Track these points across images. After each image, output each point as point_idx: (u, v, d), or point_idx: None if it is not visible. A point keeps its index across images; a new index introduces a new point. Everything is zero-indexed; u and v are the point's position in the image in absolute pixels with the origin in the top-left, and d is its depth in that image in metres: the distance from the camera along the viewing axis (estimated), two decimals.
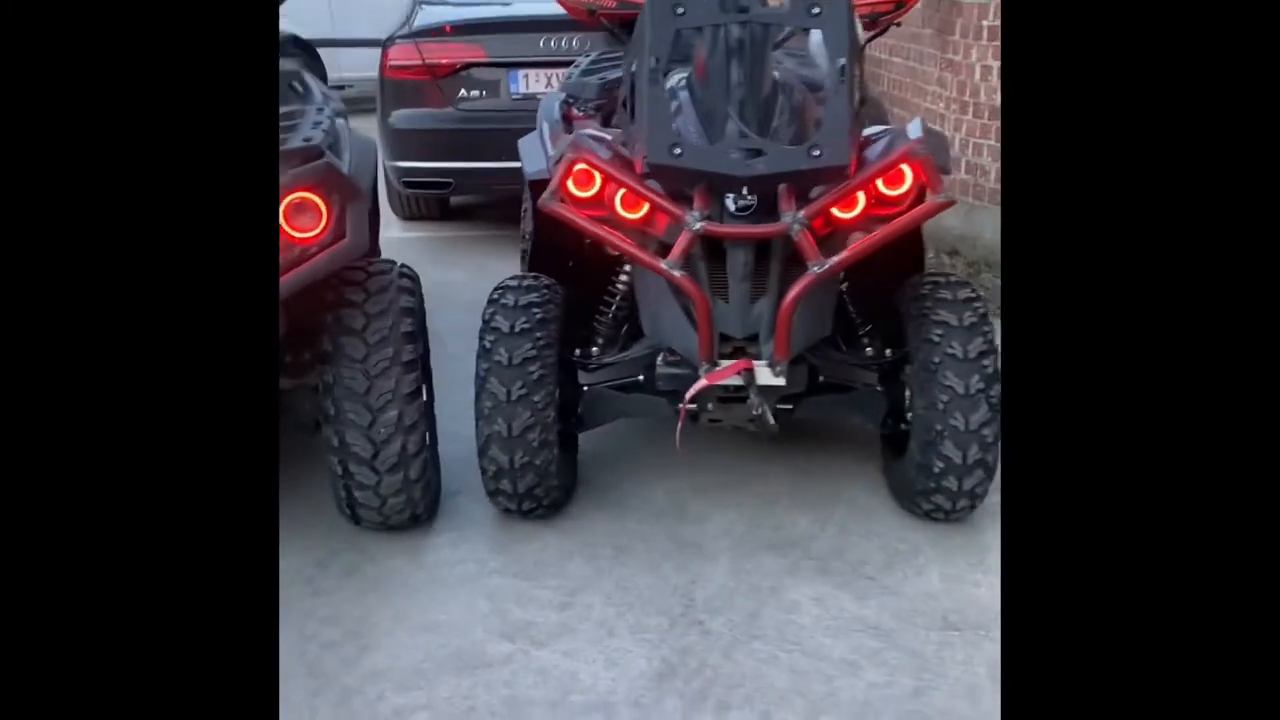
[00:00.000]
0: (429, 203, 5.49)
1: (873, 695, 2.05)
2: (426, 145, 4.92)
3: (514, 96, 4.85)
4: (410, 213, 5.58)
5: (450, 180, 4.97)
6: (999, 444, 2.44)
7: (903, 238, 2.67)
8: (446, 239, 5.35)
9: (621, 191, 2.32)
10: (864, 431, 2.87)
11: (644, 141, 2.22)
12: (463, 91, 4.91)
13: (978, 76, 4.46)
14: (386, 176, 5.25)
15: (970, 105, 4.53)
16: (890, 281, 2.68)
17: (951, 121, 4.66)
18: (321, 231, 2.21)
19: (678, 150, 2.20)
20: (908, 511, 2.65)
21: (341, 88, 8.46)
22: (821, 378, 2.65)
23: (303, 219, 2.19)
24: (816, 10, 2.25)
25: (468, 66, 4.90)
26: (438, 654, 2.18)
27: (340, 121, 2.65)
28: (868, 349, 2.70)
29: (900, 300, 2.60)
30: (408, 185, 5.11)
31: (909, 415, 2.57)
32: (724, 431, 2.90)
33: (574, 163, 2.30)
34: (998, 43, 4.30)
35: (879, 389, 2.66)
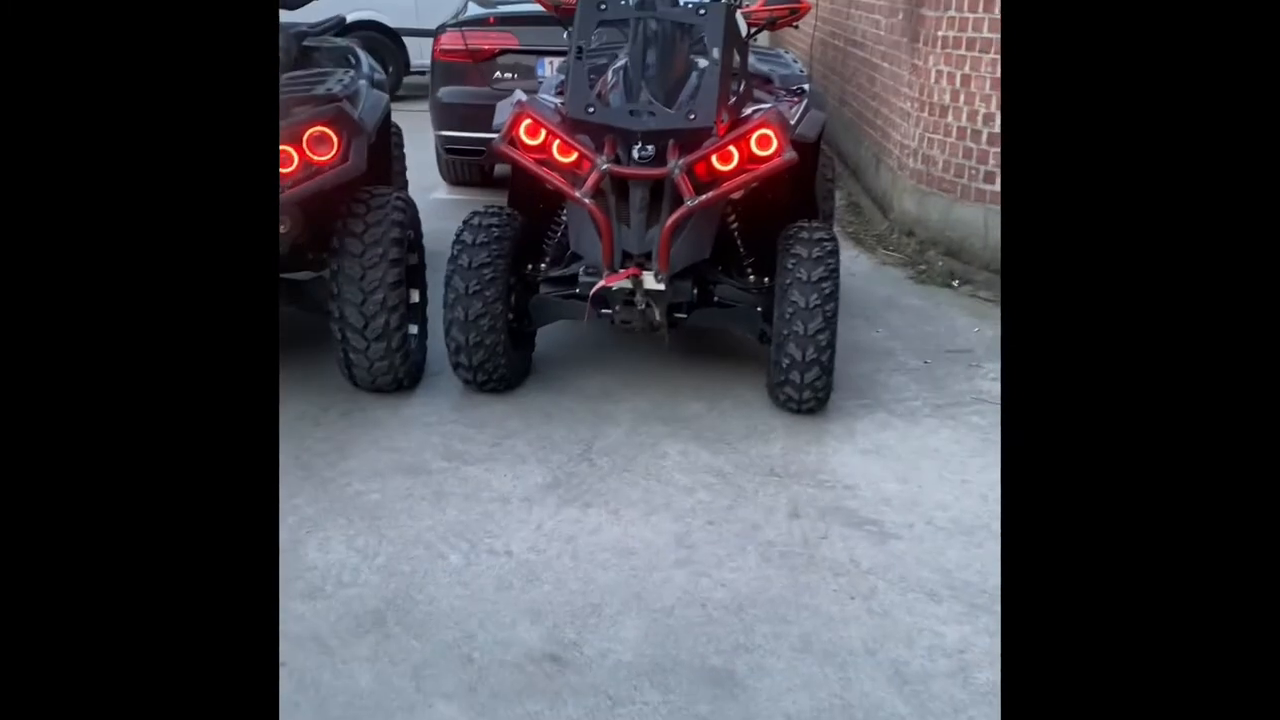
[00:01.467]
0: (471, 169, 6.37)
1: (697, 506, 2.82)
2: (466, 117, 5.79)
3: (540, 79, 5.69)
4: (456, 178, 6.47)
5: (483, 148, 5.84)
6: (832, 350, 3.17)
7: (789, 193, 3.45)
8: (482, 201, 6.20)
9: (556, 141, 3.13)
10: (761, 350, 3.62)
11: (568, 101, 3.04)
12: (498, 73, 5.78)
13: (933, 79, 5.13)
14: (435, 147, 6.17)
15: (927, 104, 5.20)
16: (778, 226, 3.42)
17: (913, 118, 5.33)
18: (333, 156, 3.08)
19: (591, 109, 3.01)
20: (775, 405, 3.40)
21: (422, 72, 9.43)
22: (715, 297, 3.42)
23: (320, 147, 3.06)
24: (703, 11, 3.05)
25: (503, 52, 5.77)
26: (394, 464, 3.02)
27: (362, 82, 3.52)
28: (750, 276, 3.45)
29: (778, 240, 3.35)
30: (449, 151, 6.00)
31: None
32: (648, 340, 3.68)
33: (521, 117, 3.13)
34: (950, 50, 4.97)
35: (757, 309, 3.41)
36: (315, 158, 3.05)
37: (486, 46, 5.75)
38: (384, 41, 10.14)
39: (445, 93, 5.84)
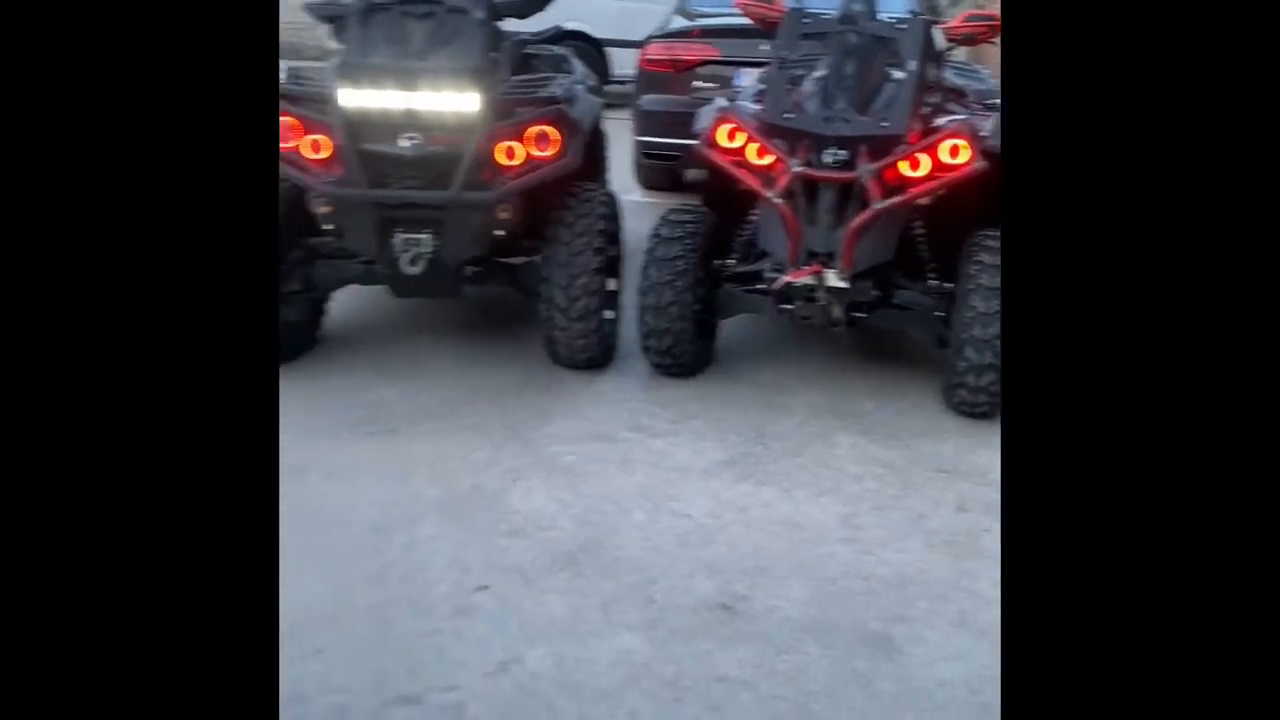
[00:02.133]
0: (663, 174, 6.70)
1: (865, 492, 2.99)
2: (665, 124, 6.10)
3: (737, 88, 5.93)
4: (649, 183, 6.81)
5: (679, 154, 6.15)
6: None
7: (975, 202, 3.56)
8: (673, 205, 6.52)
9: (754, 144, 3.36)
10: (939, 355, 3.73)
11: (767, 108, 3.27)
12: (698, 83, 6.07)
13: None
14: (633, 152, 6.52)
15: None
16: (965, 234, 3.53)
17: None
18: (554, 153, 3.42)
19: (788, 114, 3.24)
20: (949, 408, 3.50)
21: (625, 81, 9.88)
22: (895, 299, 3.56)
23: (541, 143, 3.41)
24: (902, 26, 3.21)
25: (704, 63, 6.05)
26: (587, 432, 3.32)
27: (579, 87, 3.87)
28: (931, 280, 3.57)
29: (963, 248, 3.45)
30: (646, 155, 6.34)
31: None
32: (825, 338, 3.86)
33: (722, 121, 3.39)
34: None
35: (936, 312, 3.53)
36: (537, 153, 3.41)
37: (689, 57, 6.05)
38: (588, 51, 10.66)
39: (647, 100, 6.18)
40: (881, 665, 2.25)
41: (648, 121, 6.21)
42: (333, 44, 4.35)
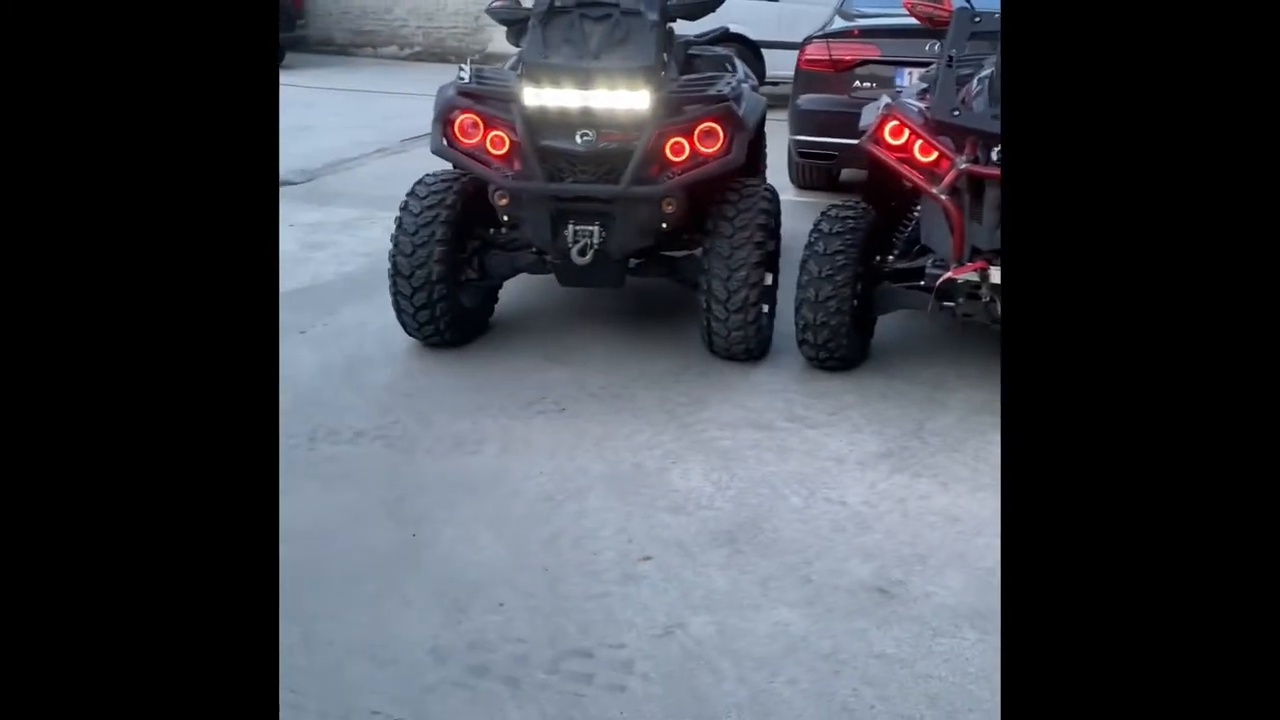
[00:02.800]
0: (818, 174, 6.73)
1: None
2: (822, 124, 6.13)
3: (899, 88, 5.91)
4: (804, 182, 6.84)
5: (836, 153, 6.17)
6: None
7: None
8: (827, 204, 6.55)
9: (919, 141, 3.39)
10: None
11: (934, 106, 3.30)
12: (857, 83, 6.07)
13: None
14: (788, 151, 6.58)
15: None
16: None
17: None
18: (719, 149, 3.55)
19: (956, 112, 3.25)
20: None
21: (777, 83, 9.94)
22: None
23: (708, 140, 3.54)
24: None
25: (864, 63, 6.05)
26: (743, 419, 3.43)
27: (745, 85, 3.97)
28: None
29: None
30: (802, 155, 6.39)
31: None
32: (984, 335, 3.84)
33: (887, 119, 3.43)
34: None
35: None
36: (703, 149, 3.54)
37: (849, 57, 6.06)
38: (745, 53, 10.75)
39: (805, 100, 6.22)
40: None
41: (805, 121, 6.26)
42: (512, 46, 4.62)
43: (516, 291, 4.40)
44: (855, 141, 5.92)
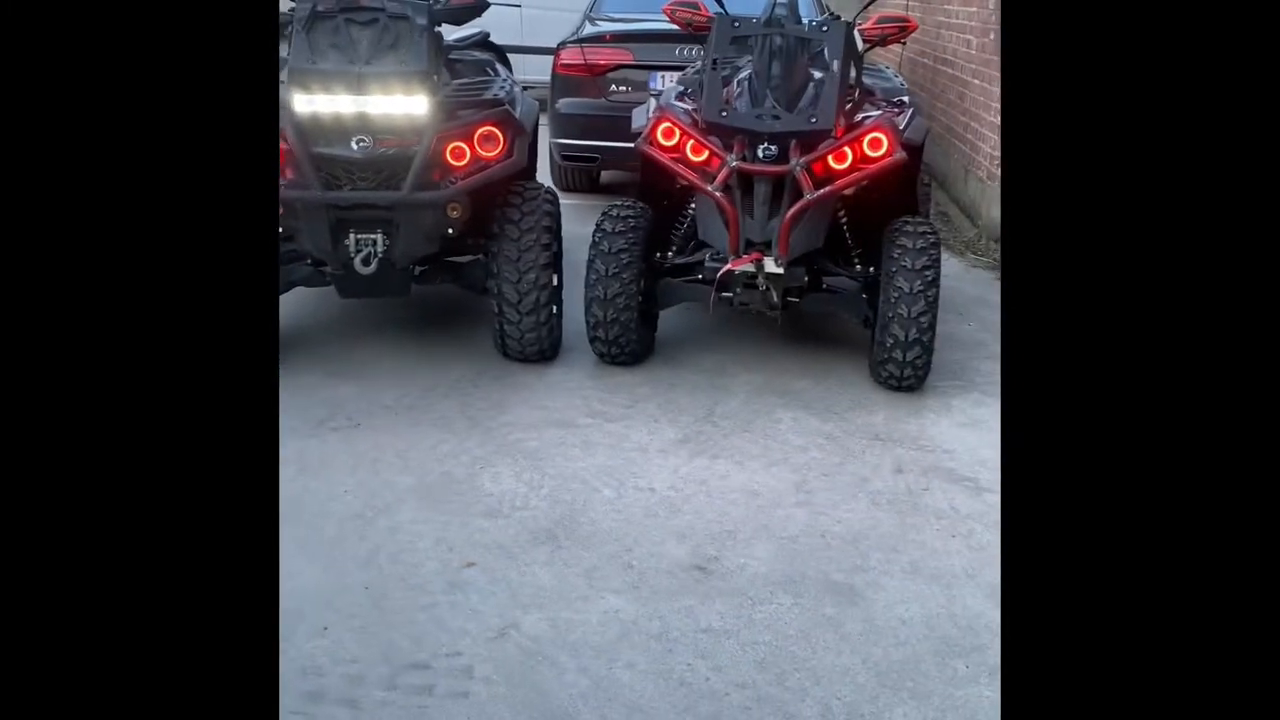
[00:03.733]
0: (581, 175, 6.87)
1: (811, 461, 3.22)
2: (582, 127, 6.27)
3: (653, 91, 6.15)
4: (567, 184, 6.96)
5: (598, 155, 6.33)
6: (933, 332, 3.54)
7: (894, 191, 3.84)
8: (592, 205, 6.67)
9: (690, 141, 3.57)
10: (862, 336, 4.00)
11: (703, 108, 3.48)
12: (614, 86, 6.26)
13: None
14: (550, 153, 6.67)
15: None
16: (885, 221, 3.81)
17: (989, 125, 5.68)
18: (499, 152, 3.57)
19: (724, 113, 3.45)
20: (876, 382, 3.77)
21: (526, 88, 10.02)
22: (825, 284, 3.82)
23: (488, 144, 3.55)
24: (825, 29, 3.47)
25: (619, 67, 6.24)
26: (545, 419, 3.47)
27: (517, 89, 4.01)
28: (857, 265, 3.84)
29: (884, 234, 3.73)
30: (565, 159, 6.50)
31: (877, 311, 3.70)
32: (756, 324, 4.10)
33: (660, 120, 3.58)
34: None
35: (862, 295, 3.80)
36: (484, 154, 3.55)
37: (603, 62, 6.23)
38: (492, 52, 10.75)
39: (564, 104, 6.34)
40: (848, 610, 2.47)
41: (565, 124, 6.37)
42: None
43: (290, 307, 4.21)
44: (615, 144, 6.24)
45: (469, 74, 4.41)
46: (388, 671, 2.21)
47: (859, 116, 3.65)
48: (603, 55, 6.27)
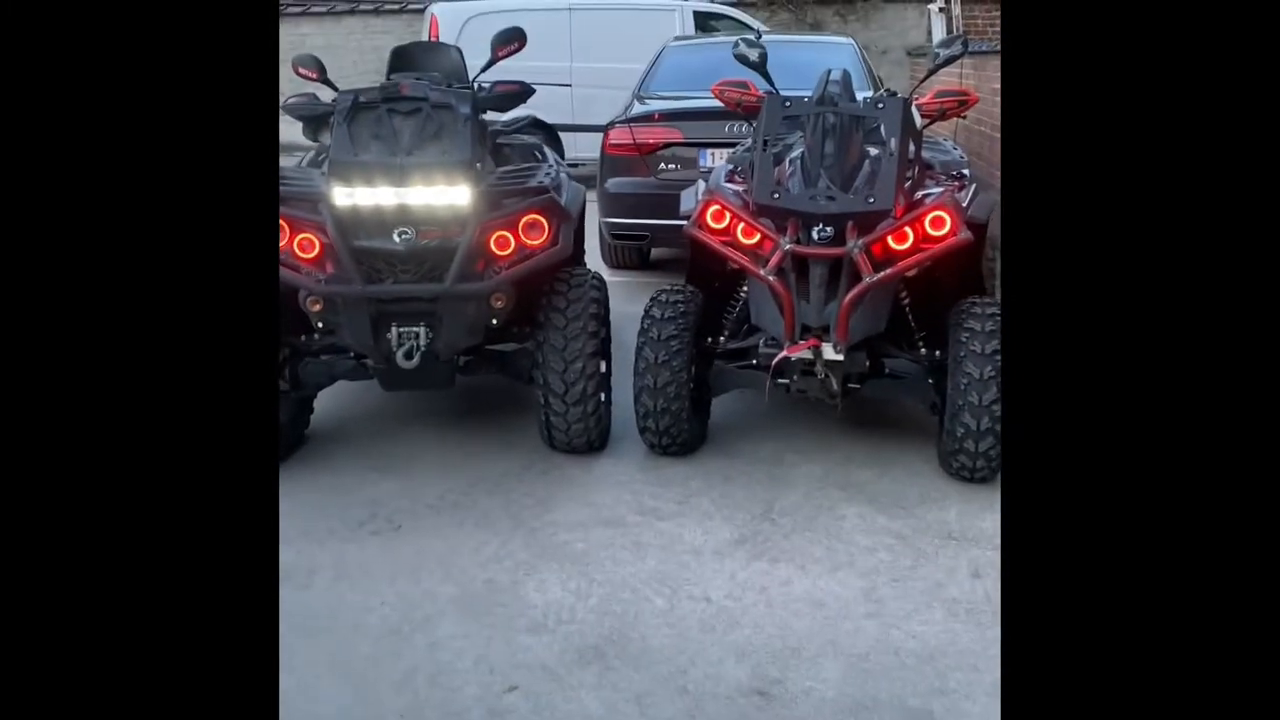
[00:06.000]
0: (631, 253, 6.79)
1: (880, 564, 2.99)
2: (632, 205, 6.20)
3: (702, 169, 6.07)
4: (616, 262, 6.88)
5: (647, 233, 6.24)
6: None
7: (959, 271, 3.65)
8: (642, 283, 6.58)
9: (741, 224, 3.42)
10: (928, 421, 3.78)
11: (754, 189, 3.34)
12: (663, 165, 6.19)
13: None
14: (600, 232, 6.60)
15: None
16: (949, 302, 3.61)
17: None
18: (545, 240, 3.46)
19: (776, 195, 3.31)
20: (946, 473, 3.54)
21: (576, 165, 10.06)
22: (887, 369, 3.62)
23: (533, 232, 3.44)
24: (881, 105, 3.33)
25: (668, 145, 6.18)
26: (593, 518, 3.29)
27: (564, 174, 3.92)
28: (921, 349, 3.63)
29: (949, 316, 3.53)
30: (615, 237, 6.42)
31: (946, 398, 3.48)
32: (814, 409, 3.89)
33: (710, 203, 3.45)
34: None
35: (929, 380, 3.59)
36: (529, 242, 3.44)
37: (652, 140, 6.17)
38: (544, 138, 10.84)
39: (613, 183, 6.27)
40: None
41: (614, 203, 6.30)
42: (309, 141, 4.39)
43: (332, 399, 4.12)
44: (664, 222, 6.14)
45: (516, 158, 4.34)
46: None
47: (919, 194, 3.48)
48: (652, 134, 6.21)
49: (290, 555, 3.03)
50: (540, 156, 4.54)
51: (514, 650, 2.57)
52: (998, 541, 3.11)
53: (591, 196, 6.31)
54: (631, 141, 6.23)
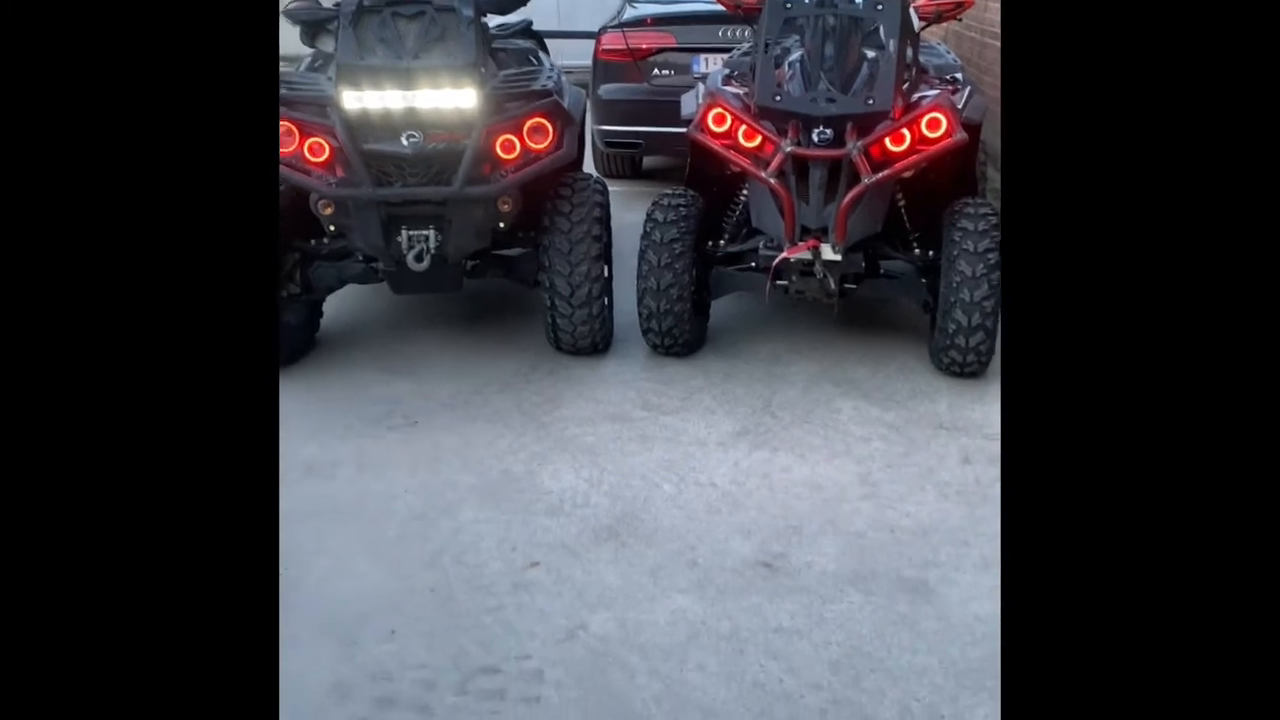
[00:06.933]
0: (623, 162, 6.81)
1: (874, 452, 3.16)
2: (625, 113, 6.21)
3: (695, 74, 6.06)
4: (608, 171, 6.90)
5: (640, 140, 6.27)
6: (996, 316, 3.45)
7: (953, 172, 3.74)
8: (635, 192, 6.62)
9: (742, 127, 3.50)
10: (919, 322, 3.92)
11: (756, 92, 3.41)
12: (656, 70, 6.18)
13: None
14: (592, 139, 6.61)
15: None
16: (943, 203, 3.71)
17: None
18: (550, 144, 3.52)
19: (778, 97, 3.37)
20: (937, 368, 3.69)
21: (566, 71, 9.96)
22: (882, 269, 3.74)
23: (538, 135, 3.50)
24: (880, 7, 3.37)
25: (661, 51, 6.16)
26: (601, 414, 3.44)
27: (563, 78, 3.96)
28: (916, 250, 3.75)
29: (943, 216, 3.64)
30: (608, 145, 6.44)
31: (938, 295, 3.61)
32: (809, 311, 4.03)
33: (711, 106, 3.52)
34: None
35: (922, 280, 3.71)
36: (534, 146, 3.50)
37: (645, 45, 6.16)
38: (533, 39, 10.70)
39: (605, 90, 6.27)
40: (921, 607, 2.42)
41: (608, 110, 6.31)
42: (306, 46, 4.39)
43: (343, 303, 4.21)
44: (658, 129, 6.17)
45: (513, 63, 4.35)
46: (458, 677, 2.19)
47: (916, 96, 3.55)
48: (645, 39, 6.19)
49: (313, 450, 3.17)
50: (536, 61, 4.55)
51: (533, 531, 2.73)
52: (986, 430, 3.28)
53: None
54: (624, 47, 6.21)
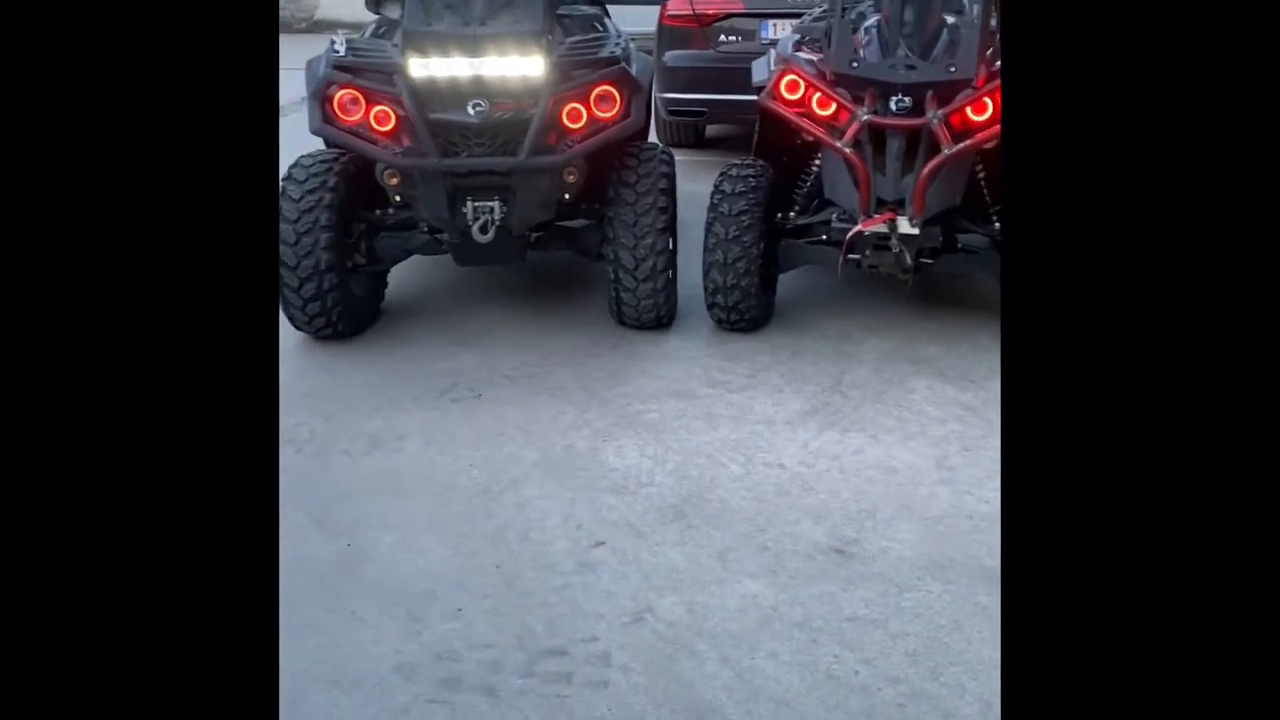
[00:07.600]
0: (686, 130, 6.69)
1: (950, 434, 3.05)
2: (690, 80, 6.08)
3: (763, 40, 5.91)
4: (671, 140, 6.79)
5: (705, 109, 6.14)
6: None
7: None
8: (698, 161, 6.52)
9: (817, 94, 3.37)
10: (992, 298, 3.77)
11: (832, 58, 3.28)
12: (723, 36, 6.04)
13: None
14: (655, 108, 6.49)
15: None
16: None
17: None
18: (617, 113, 3.43)
19: (855, 64, 3.25)
20: None
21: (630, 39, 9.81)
22: (960, 244, 3.60)
23: (605, 104, 3.42)
24: None
25: (728, 16, 6.02)
26: (665, 390, 3.37)
27: (631, 45, 3.86)
28: (996, 224, 3.61)
29: None
30: (672, 113, 6.32)
31: None
32: (878, 286, 3.90)
33: (785, 73, 3.40)
34: None
35: (1000, 255, 3.57)
36: (601, 115, 3.42)
37: (712, 11, 6.01)
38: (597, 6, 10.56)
39: (670, 56, 6.14)
40: None
41: (672, 78, 6.18)
42: (371, 13, 4.34)
43: (407, 274, 4.19)
44: (724, 97, 6.03)
45: (578, 30, 4.27)
46: (524, 658, 2.15)
47: (999, 64, 3.39)
48: (712, 4, 6.05)
49: (379, 422, 3.15)
50: (602, 28, 4.46)
51: (598, 509, 2.68)
52: None
53: None
54: (691, 12, 6.07)
